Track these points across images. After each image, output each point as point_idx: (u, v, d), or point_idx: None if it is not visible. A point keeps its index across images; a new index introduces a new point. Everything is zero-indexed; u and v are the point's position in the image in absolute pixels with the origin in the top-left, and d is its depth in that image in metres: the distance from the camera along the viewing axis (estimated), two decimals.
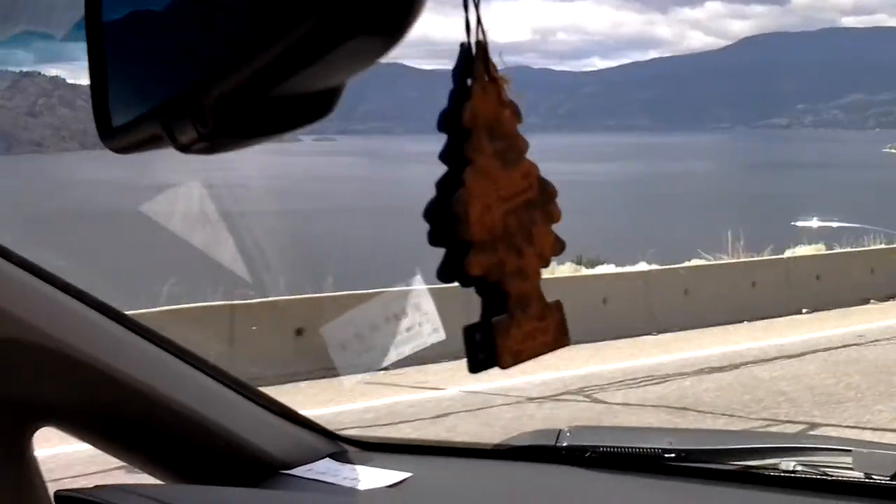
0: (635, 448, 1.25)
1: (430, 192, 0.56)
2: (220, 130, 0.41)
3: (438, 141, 0.56)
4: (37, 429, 1.16)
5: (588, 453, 1.26)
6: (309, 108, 0.42)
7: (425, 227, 0.56)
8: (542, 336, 0.59)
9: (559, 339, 0.60)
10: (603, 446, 1.27)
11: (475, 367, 0.58)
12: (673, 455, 1.22)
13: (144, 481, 1.32)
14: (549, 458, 1.29)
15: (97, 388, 1.14)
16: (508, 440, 1.39)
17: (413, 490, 1.24)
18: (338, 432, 1.43)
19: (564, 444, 1.30)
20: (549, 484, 1.24)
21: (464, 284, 0.57)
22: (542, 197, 0.59)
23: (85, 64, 0.52)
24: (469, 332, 0.57)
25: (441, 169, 0.56)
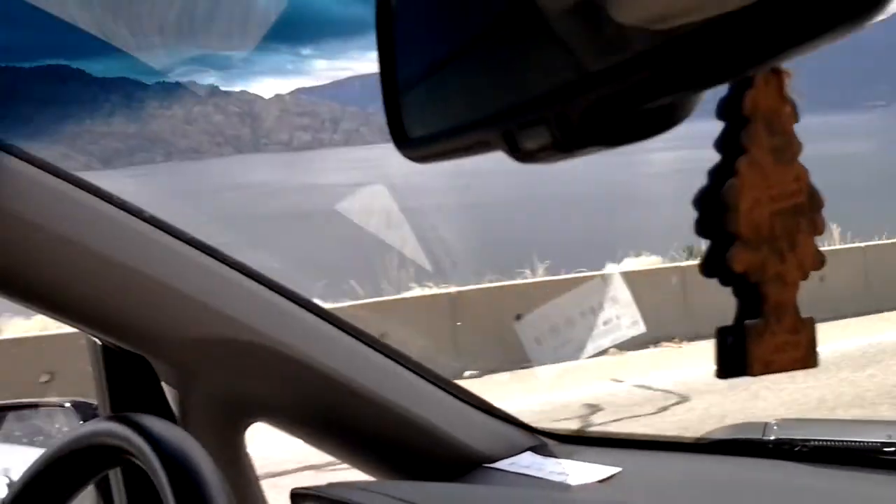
0: (850, 442, 1.17)
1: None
2: (576, 139, 0.38)
3: None
4: (249, 424, 1.18)
5: (798, 447, 1.19)
6: (669, 116, 0.38)
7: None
8: (793, 351, 0.57)
9: (809, 357, 0.58)
10: (814, 440, 1.19)
11: (725, 372, 0.56)
12: (893, 449, 1.12)
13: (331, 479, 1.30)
14: (757, 453, 1.22)
15: (308, 384, 1.17)
16: (711, 433, 1.33)
17: (625, 485, 1.19)
18: (534, 425, 1.40)
19: (772, 438, 1.23)
20: (760, 479, 1.17)
21: (724, 282, 0.56)
22: (811, 204, 0.58)
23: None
24: (721, 333, 0.56)
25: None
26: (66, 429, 1.29)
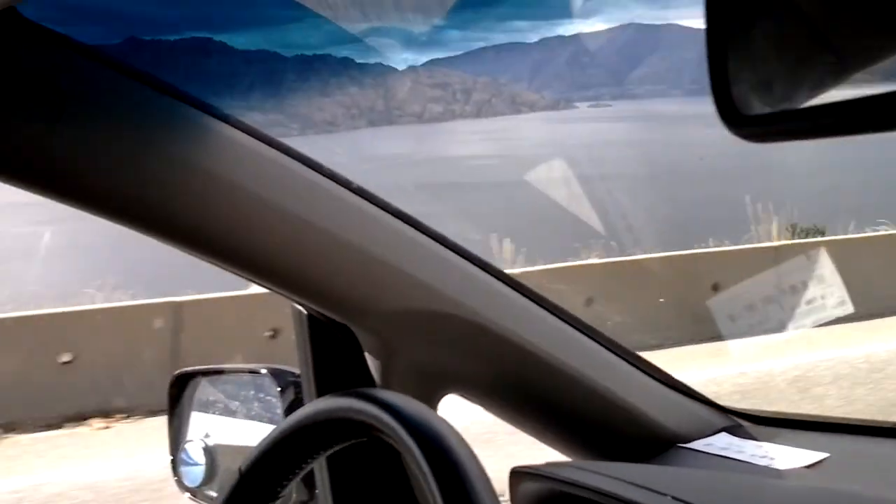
0: None
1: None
2: None
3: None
4: (443, 396, 1.18)
5: None
6: None
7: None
8: None
9: None
10: None
11: None
12: None
13: None
14: None
15: (505, 357, 1.15)
16: None
17: (836, 472, 1.11)
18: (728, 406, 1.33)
19: None
20: None
21: None
22: None
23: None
24: None
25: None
26: (262, 395, 1.32)
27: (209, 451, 1.36)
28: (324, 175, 1.02)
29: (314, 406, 0.93)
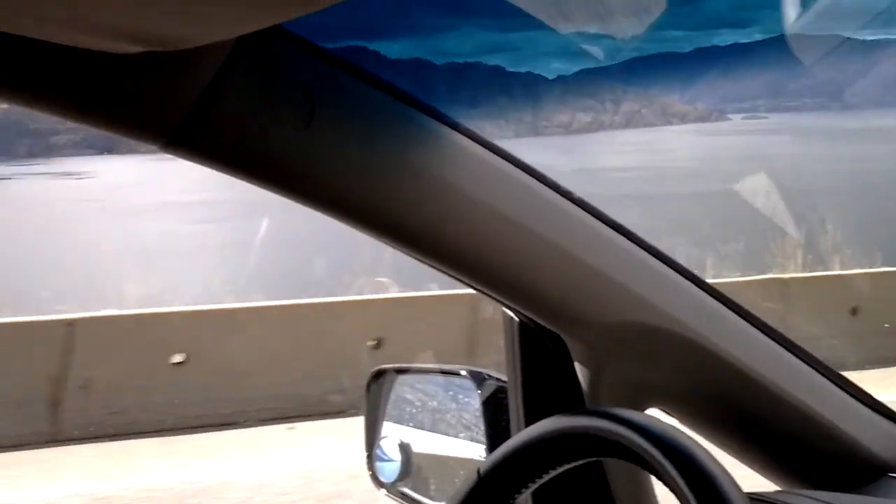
0: None
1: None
2: None
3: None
4: (646, 409, 1.16)
5: None
6: None
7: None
8: None
9: None
10: None
11: None
12: None
13: None
14: None
15: (715, 375, 1.13)
16: None
17: None
18: None
19: None
20: None
21: None
22: None
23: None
24: None
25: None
26: (460, 396, 1.34)
27: (404, 448, 1.39)
28: (547, 185, 1.04)
29: (559, 420, 0.95)
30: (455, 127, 0.98)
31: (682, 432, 0.84)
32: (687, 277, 1.15)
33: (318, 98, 0.88)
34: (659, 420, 0.86)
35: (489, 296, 1.08)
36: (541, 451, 0.94)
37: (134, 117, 0.82)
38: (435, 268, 1.04)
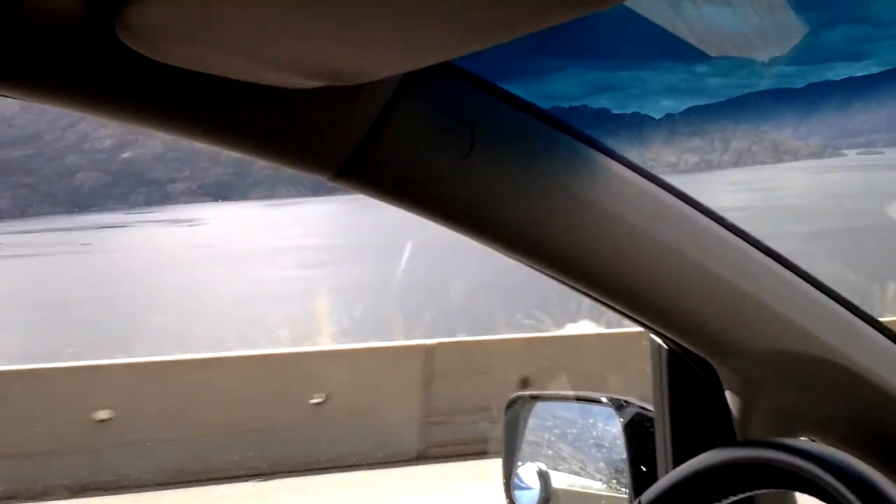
0: None
1: None
2: None
3: None
4: (797, 438, 1.14)
5: None
6: None
7: None
8: None
9: None
10: None
11: None
12: None
13: None
14: None
15: (869, 405, 1.12)
16: None
17: None
18: None
19: None
20: None
21: None
22: None
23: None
24: None
25: None
26: (600, 424, 1.34)
27: (542, 476, 1.39)
28: (700, 211, 1.04)
29: (727, 452, 0.95)
30: (611, 154, 1.00)
31: (863, 463, 0.83)
32: (845, 306, 1.13)
33: (477, 128, 0.91)
34: (837, 451, 0.86)
35: (640, 322, 1.08)
36: (709, 481, 0.94)
37: (307, 150, 0.86)
38: (586, 294, 1.04)
